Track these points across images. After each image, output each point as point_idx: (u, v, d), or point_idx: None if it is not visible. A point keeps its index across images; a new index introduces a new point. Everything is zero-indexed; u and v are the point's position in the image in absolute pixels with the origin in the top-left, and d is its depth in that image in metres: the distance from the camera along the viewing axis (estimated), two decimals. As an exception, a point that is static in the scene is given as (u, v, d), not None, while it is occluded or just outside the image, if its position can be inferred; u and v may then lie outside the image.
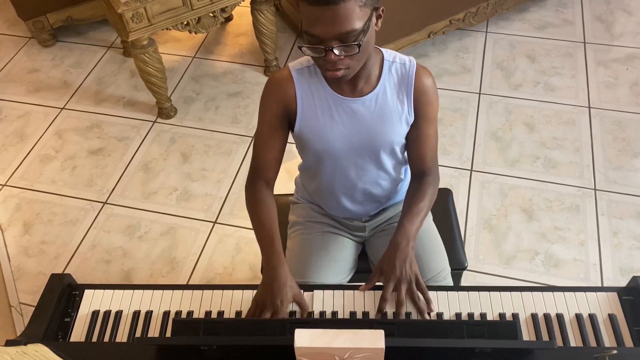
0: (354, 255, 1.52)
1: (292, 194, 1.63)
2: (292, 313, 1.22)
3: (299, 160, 1.47)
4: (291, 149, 1.39)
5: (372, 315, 1.21)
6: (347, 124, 1.27)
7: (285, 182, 2.29)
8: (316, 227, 1.49)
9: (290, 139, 1.36)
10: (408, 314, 1.21)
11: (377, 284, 1.26)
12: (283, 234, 1.57)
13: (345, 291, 1.25)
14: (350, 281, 1.50)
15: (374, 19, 1.12)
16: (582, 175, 2.39)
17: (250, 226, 2.24)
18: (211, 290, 1.26)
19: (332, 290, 1.25)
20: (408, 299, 1.22)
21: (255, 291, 1.24)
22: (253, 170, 1.36)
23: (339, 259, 1.45)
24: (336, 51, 1.08)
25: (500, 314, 1.20)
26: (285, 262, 1.25)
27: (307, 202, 1.54)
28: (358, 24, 1.06)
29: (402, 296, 1.20)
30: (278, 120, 1.29)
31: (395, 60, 1.27)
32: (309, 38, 1.09)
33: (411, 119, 1.30)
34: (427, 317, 1.20)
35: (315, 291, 1.25)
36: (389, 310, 1.21)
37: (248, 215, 1.35)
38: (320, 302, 1.23)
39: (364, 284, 1.26)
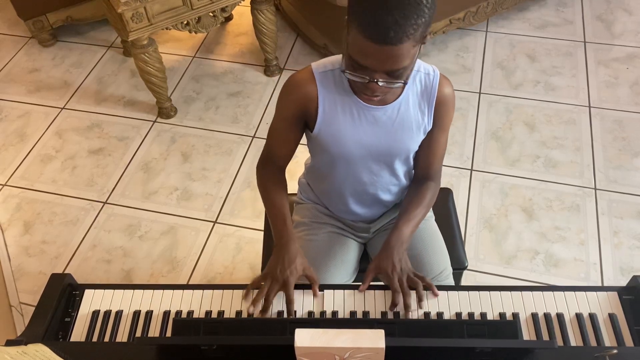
0: (358, 256, 1.52)
1: (294, 194, 1.62)
2: (293, 312, 1.22)
3: (300, 160, 1.47)
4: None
5: (372, 315, 1.21)
6: (367, 131, 1.27)
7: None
8: (321, 227, 1.49)
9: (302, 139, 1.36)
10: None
11: (372, 283, 1.26)
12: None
13: (345, 291, 1.25)
14: (353, 282, 1.50)
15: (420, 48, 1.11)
16: (583, 175, 2.39)
17: (251, 226, 2.26)
18: (211, 290, 1.26)
19: (332, 290, 1.25)
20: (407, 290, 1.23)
21: (254, 291, 1.24)
22: (265, 157, 1.39)
23: (345, 260, 1.45)
24: (381, 83, 1.08)
25: (500, 314, 1.20)
26: (296, 239, 1.28)
27: (311, 203, 1.54)
28: (407, 62, 1.06)
29: (406, 287, 1.22)
30: (295, 120, 1.29)
31: (420, 69, 1.26)
32: (356, 66, 1.08)
33: (429, 128, 1.31)
34: (426, 300, 1.21)
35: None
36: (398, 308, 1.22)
37: (260, 194, 1.37)
38: (321, 301, 1.23)
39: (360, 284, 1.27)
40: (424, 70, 1.26)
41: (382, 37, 1.00)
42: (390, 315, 1.20)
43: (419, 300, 1.21)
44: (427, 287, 1.24)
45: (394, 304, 1.21)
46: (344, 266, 1.44)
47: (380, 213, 1.51)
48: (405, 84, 1.10)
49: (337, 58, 1.25)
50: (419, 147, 1.35)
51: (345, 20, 1.07)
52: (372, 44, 1.02)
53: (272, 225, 1.33)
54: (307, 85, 1.25)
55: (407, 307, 1.20)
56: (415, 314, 1.21)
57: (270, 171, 1.38)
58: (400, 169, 1.38)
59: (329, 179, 1.40)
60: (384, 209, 1.50)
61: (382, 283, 1.41)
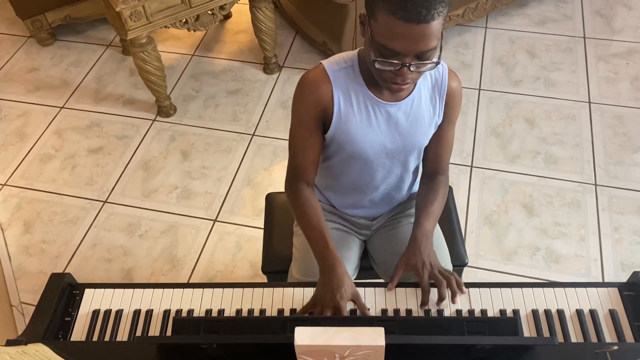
0: (359, 253, 1.52)
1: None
2: (293, 311, 1.22)
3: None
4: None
5: (372, 313, 1.20)
6: (383, 129, 1.26)
7: (285, 180, 2.28)
8: None
9: None
10: (409, 311, 1.21)
11: (372, 281, 1.26)
12: (289, 231, 1.57)
13: (346, 288, 1.24)
14: (355, 279, 1.49)
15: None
16: (583, 171, 2.39)
17: (251, 224, 2.26)
18: (211, 289, 1.26)
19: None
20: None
21: (254, 289, 1.25)
22: (293, 172, 1.33)
23: (346, 257, 1.44)
24: (412, 68, 1.07)
25: (500, 310, 1.20)
26: (341, 260, 1.24)
27: None
28: (436, 42, 1.05)
29: (440, 277, 1.21)
30: (315, 122, 1.25)
31: None
32: (385, 52, 1.06)
33: (439, 122, 1.31)
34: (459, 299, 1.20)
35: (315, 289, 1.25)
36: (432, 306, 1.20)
37: (294, 215, 1.33)
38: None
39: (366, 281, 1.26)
40: None
41: (414, 16, 1.00)
42: (390, 313, 1.20)
43: (452, 296, 1.20)
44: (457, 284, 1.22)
45: (424, 303, 1.19)
46: (347, 263, 1.43)
47: (388, 209, 1.50)
48: (438, 63, 1.08)
49: (349, 55, 1.23)
50: (430, 141, 1.34)
51: (363, 14, 1.07)
52: (404, 24, 1.01)
53: (312, 247, 1.28)
54: (321, 84, 1.22)
55: (442, 296, 1.19)
56: (448, 309, 1.20)
57: (300, 190, 1.31)
58: (412, 164, 1.38)
59: (342, 177, 1.39)
60: (390, 205, 1.50)
61: (381, 280, 1.41)
